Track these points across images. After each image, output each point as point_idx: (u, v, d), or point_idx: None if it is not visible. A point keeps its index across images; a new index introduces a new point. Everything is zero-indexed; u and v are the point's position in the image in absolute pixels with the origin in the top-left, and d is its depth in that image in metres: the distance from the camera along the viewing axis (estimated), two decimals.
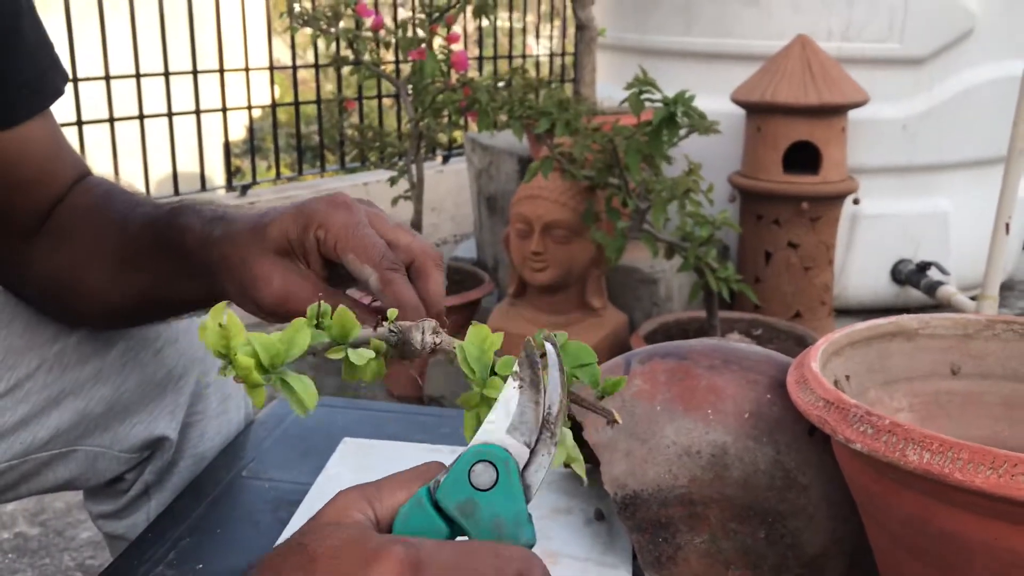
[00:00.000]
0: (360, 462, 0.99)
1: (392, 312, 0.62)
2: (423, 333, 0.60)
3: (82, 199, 0.86)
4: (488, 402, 0.57)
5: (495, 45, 4.87)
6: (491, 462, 0.49)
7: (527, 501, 0.50)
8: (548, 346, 0.52)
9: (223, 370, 0.53)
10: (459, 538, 0.50)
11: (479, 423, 0.53)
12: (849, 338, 0.76)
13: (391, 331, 0.61)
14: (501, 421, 0.50)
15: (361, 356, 0.58)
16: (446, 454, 1.00)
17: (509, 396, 0.51)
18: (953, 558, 0.59)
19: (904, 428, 0.58)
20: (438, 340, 0.60)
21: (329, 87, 4.61)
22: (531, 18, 5.14)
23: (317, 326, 0.58)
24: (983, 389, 0.78)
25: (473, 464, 0.49)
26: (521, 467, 0.50)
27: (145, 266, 0.78)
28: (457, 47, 2.75)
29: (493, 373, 0.58)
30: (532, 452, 0.50)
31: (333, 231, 0.66)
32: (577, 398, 0.58)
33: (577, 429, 0.86)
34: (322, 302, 0.58)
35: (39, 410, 0.88)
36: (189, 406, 0.98)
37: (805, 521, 0.72)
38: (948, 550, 0.59)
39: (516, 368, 0.51)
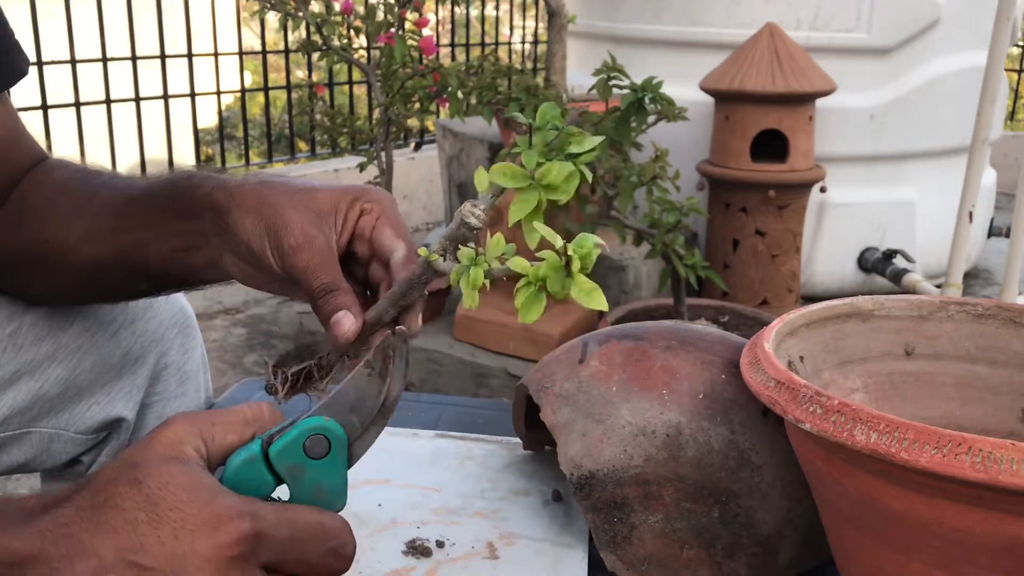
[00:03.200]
0: None
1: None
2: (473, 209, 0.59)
3: (51, 176, 0.85)
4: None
5: (467, 33, 4.85)
6: (326, 437, 0.56)
7: (349, 466, 0.57)
8: (399, 342, 0.59)
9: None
10: (281, 489, 0.56)
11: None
12: (804, 319, 0.77)
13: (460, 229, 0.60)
14: (345, 400, 0.58)
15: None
16: (406, 437, 1.00)
17: (358, 379, 0.58)
18: (900, 537, 0.60)
19: (852, 408, 0.59)
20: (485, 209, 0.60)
21: (300, 73, 4.58)
22: (508, 7, 5.13)
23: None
24: (936, 370, 0.79)
25: (311, 434, 0.56)
26: (351, 440, 0.57)
27: (137, 225, 0.77)
28: (427, 32, 2.74)
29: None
30: (365, 430, 0.58)
31: (380, 207, 0.72)
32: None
33: (534, 411, 0.86)
34: None
35: None
36: (147, 387, 0.98)
37: (759, 500, 0.73)
38: (896, 529, 0.60)
39: (370, 357, 0.58)
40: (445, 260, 0.60)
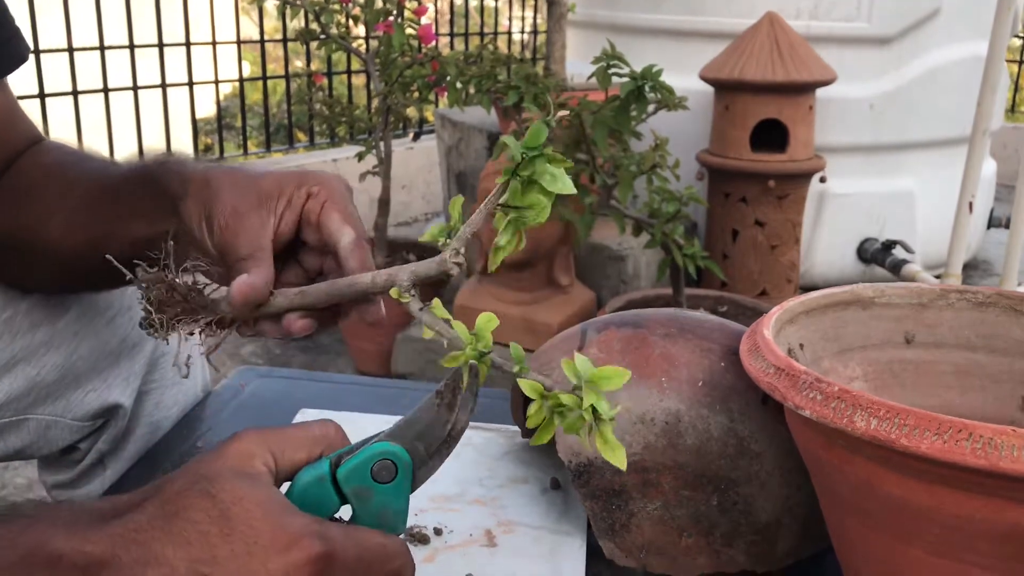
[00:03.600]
0: None
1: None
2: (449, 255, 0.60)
3: (44, 158, 0.84)
4: None
5: (467, 23, 4.84)
6: (394, 462, 0.58)
7: (412, 491, 0.59)
8: (469, 375, 0.59)
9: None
10: (344, 509, 0.58)
11: None
12: (804, 306, 0.77)
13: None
14: (413, 427, 0.59)
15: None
16: None
17: (427, 407, 0.60)
18: (900, 523, 0.60)
19: (852, 394, 0.58)
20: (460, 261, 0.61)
21: (298, 63, 4.56)
22: None
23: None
24: (936, 358, 0.79)
25: (379, 459, 0.58)
26: (416, 467, 0.59)
27: (110, 217, 0.76)
28: (426, 20, 2.73)
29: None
30: (429, 457, 0.59)
31: (327, 191, 0.69)
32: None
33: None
34: None
35: None
36: (145, 374, 0.97)
37: (758, 488, 0.73)
38: (895, 516, 0.60)
39: (440, 388, 0.60)
40: (413, 294, 0.61)
